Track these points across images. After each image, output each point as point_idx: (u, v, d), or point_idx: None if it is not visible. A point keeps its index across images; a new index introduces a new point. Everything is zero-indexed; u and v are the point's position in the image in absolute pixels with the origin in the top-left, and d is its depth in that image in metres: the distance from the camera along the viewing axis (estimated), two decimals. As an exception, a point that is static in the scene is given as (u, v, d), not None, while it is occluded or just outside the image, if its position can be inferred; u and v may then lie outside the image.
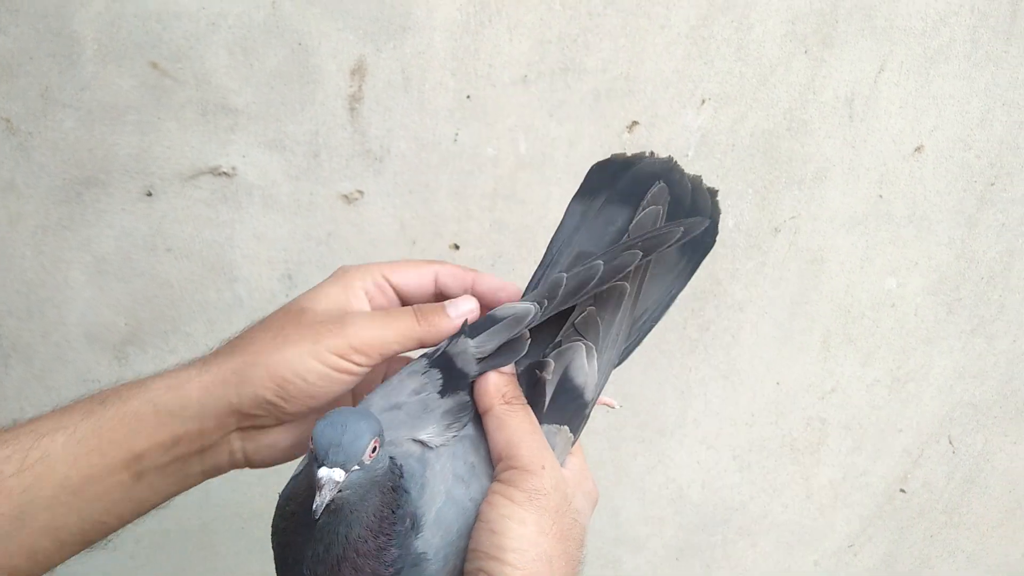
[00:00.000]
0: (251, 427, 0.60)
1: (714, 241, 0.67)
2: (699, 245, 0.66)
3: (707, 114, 1.06)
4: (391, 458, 0.55)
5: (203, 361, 0.60)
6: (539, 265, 0.66)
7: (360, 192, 1.06)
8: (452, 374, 0.60)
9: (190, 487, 0.62)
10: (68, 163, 1.00)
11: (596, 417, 1.23)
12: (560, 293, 0.60)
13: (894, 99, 1.07)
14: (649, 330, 0.66)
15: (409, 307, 0.63)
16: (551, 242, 0.67)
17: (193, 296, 1.09)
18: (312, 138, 1.02)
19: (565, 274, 0.62)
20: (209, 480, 1.24)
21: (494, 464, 0.58)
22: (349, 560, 0.53)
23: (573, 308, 0.62)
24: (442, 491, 0.56)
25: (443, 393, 0.60)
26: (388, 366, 0.67)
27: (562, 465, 0.60)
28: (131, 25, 0.95)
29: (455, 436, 0.59)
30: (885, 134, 1.09)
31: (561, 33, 1.00)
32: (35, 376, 1.11)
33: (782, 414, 1.27)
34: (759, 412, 1.26)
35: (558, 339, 0.62)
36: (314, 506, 0.48)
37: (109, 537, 0.60)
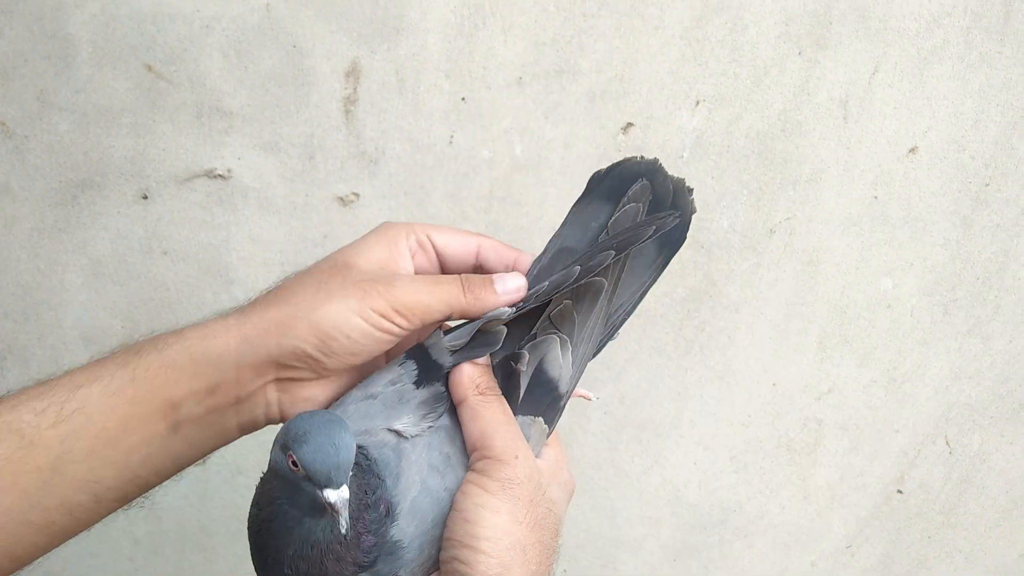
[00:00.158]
0: (288, 379, 0.60)
1: (685, 237, 0.67)
2: (671, 241, 0.67)
3: (702, 115, 1.06)
4: (359, 446, 0.56)
5: (241, 311, 0.60)
6: (548, 244, 0.67)
7: (356, 194, 1.06)
8: (427, 365, 0.61)
9: (226, 443, 0.62)
10: (63, 166, 1.00)
11: (592, 418, 1.24)
12: (534, 295, 0.61)
13: (888, 100, 1.08)
14: (623, 323, 0.66)
15: (457, 276, 0.63)
16: (549, 242, 0.67)
17: (189, 298, 1.09)
18: (307, 140, 1.02)
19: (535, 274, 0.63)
20: (207, 482, 1.25)
21: (469, 454, 0.59)
22: (332, 552, 0.53)
23: (549, 301, 0.63)
24: (417, 481, 0.57)
25: (418, 384, 0.61)
26: (421, 333, 0.67)
27: (537, 456, 0.61)
28: (126, 28, 0.95)
29: (430, 427, 0.60)
30: (879, 135, 1.09)
31: (555, 35, 1.00)
32: (31, 379, 1.10)
33: (778, 415, 1.27)
34: (755, 413, 1.26)
35: (533, 332, 0.63)
36: (343, 530, 0.50)
37: (146, 495, 0.60)
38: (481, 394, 0.59)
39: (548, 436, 0.63)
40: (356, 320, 0.58)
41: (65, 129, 0.99)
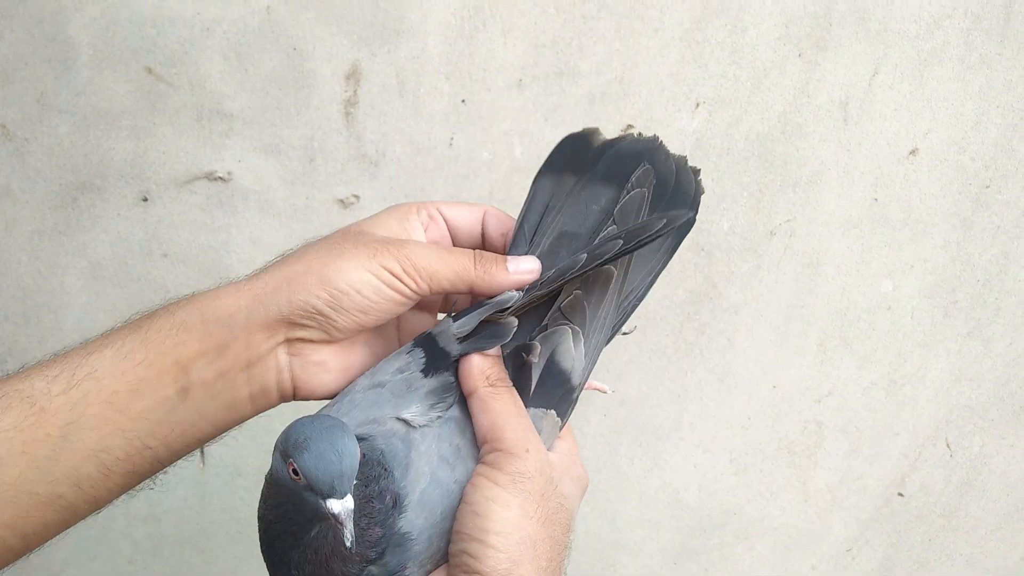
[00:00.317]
0: (299, 340, 0.59)
1: (694, 221, 0.66)
2: (681, 225, 0.66)
3: (701, 117, 1.06)
4: (361, 436, 0.55)
5: (253, 274, 0.60)
6: (512, 243, 0.65)
7: (356, 196, 1.06)
8: (435, 353, 0.60)
9: (238, 418, 0.60)
10: (64, 168, 1.00)
11: (592, 421, 1.23)
12: (540, 281, 0.60)
13: (888, 102, 1.08)
14: (633, 310, 0.65)
15: (471, 250, 0.63)
16: (523, 217, 0.66)
17: (189, 301, 1.09)
18: (307, 143, 1.02)
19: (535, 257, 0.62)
20: (207, 484, 1.25)
21: (479, 447, 0.58)
22: (338, 553, 0.53)
23: (559, 292, 0.62)
24: (427, 472, 0.56)
25: (426, 372, 0.60)
26: (428, 322, 0.68)
27: (549, 449, 0.60)
28: (126, 30, 0.95)
29: (440, 417, 0.59)
30: (880, 137, 1.09)
31: (555, 37, 1.00)
32: (31, 381, 1.11)
33: (778, 417, 1.27)
34: (755, 415, 1.26)
35: (544, 323, 0.62)
36: (347, 543, 0.49)
37: (154, 477, 0.59)
38: (491, 385, 0.58)
39: (561, 429, 0.62)
40: (366, 275, 0.57)
41: (65, 132, 0.99)
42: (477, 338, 0.60)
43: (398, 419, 0.58)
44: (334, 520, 0.49)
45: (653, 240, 0.61)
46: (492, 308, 0.60)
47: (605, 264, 0.60)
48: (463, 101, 1.02)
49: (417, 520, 0.55)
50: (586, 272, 0.60)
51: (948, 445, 1.32)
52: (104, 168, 1.01)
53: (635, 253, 0.64)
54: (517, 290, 0.61)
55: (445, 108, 1.02)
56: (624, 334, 0.68)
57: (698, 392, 1.24)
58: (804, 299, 1.19)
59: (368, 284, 0.58)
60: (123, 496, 0.59)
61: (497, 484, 0.54)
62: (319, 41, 0.98)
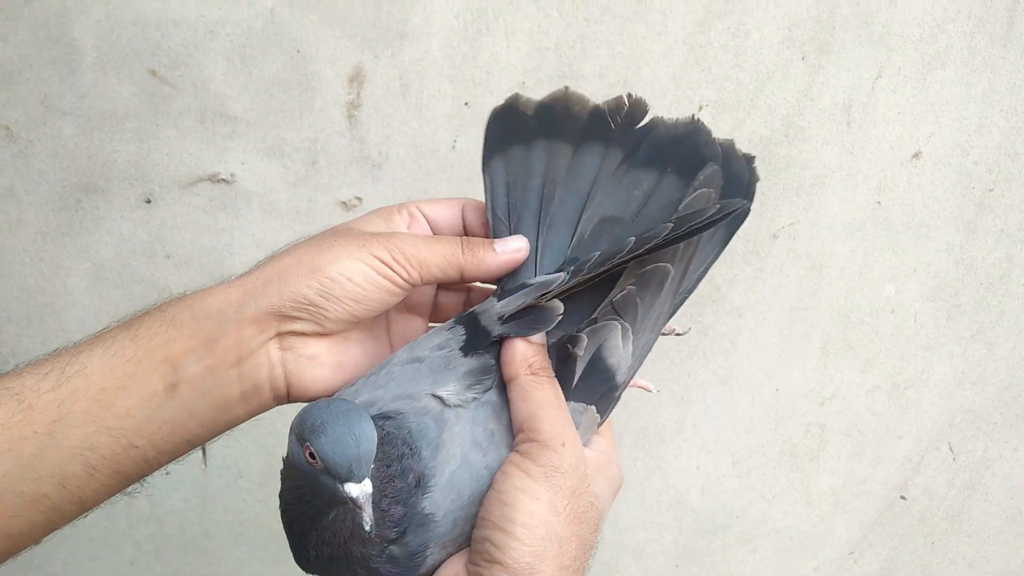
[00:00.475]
0: (291, 334, 0.59)
1: (749, 210, 0.65)
2: (735, 216, 0.64)
3: (705, 120, 1.06)
4: (385, 415, 0.55)
5: (244, 273, 0.60)
6: (493, 232, 0.64)
7: (359, 199, 1.06)
8: (476, 332, 0.60)
9: (229, 418, 0.60)
10: (67, 170, 1.01)
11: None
12: (586, 265, 0.58)
13: (892, 105, 1.08)
14: (682, 303, 0.64)
15: (457, 237, 0.63)
16: (492, 205, 0.64)
17: (192, 302, 1.09)
18: (310, 145, 1.02)
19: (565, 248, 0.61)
20: (209, 485, 1.25)
21: (515, 434, 0.57)
22: (357, 536, 0.52)
23: (612, 284, 0.61)
24: (458, 454, 0.55)
25: (465, 350, 0.59)
26: (419, 312, 0.67)
27: (586, 445, 0.59)
28: (130, 33, 0.95)
29: (475, 399, 0.58)
30: (883, 140, 1.09)
31: (559, 40, 1.00)
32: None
33: (781, 420, 1.27)
34: (758, 418, 1.26)
35: (594, 316, 0.60)
36: (367, 528, 0.48)
37: (142, 481, 0.58)
38: (533, 374, 0.57)
39: (599, 426, 0.60)
40: (357, 264, 0.57)
41: (69, 134, 0.99)
42: (520, 321, 0.59)
43: (433, 396, 0.57)
44: (352, 504, 0.48)
45: (705, 228, 0.58)
46: (537, 290, 0.59)
47: (654, 250, 0.57)
48: (466, 104, 1.02)
49: (443, 502, 0.54)
50: (634, 257, 0.58)
51: (951, 449, 1.32)
52: (108, 170, 1.01)
53: (696, 251, 0.63)
54: (564, 274, 0.59)
55: (448, 111, 1.02)
56: (677, 335, 0.68)
57: (701, 394, 1.24)
58: (807, 302, 1.18)
59: (359, 272, 0.57)
60: (123, 498, 0.59)
61: (529, 475, 0.53)
62: (322, 43, 0.98)
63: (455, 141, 1.04)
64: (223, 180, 1.03)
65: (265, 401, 0.60)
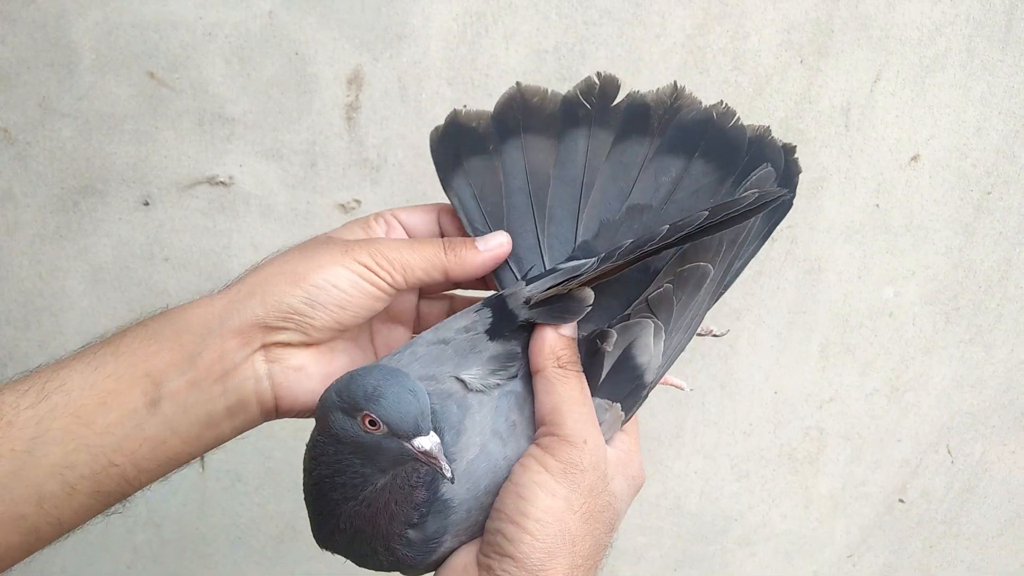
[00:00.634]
0: (276, 345, 0.58)
1: (792, 202, 0.64)
2: (776, 208, 0.63)
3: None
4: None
5: (227, 284, 0.59)
6: (472, 232, 0.63)
7: (357, 201, 1.06)
8: (502, 315, 0.59)
9: (214, 436, 0.58)
10: (65, 172, 1.00)
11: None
12: (619, 251, 0.56)
13: (890, 108, 1.08)
14: (717, 300, 0.63)
15: (439, 238, 0.62)
16: (467, 220, 0.64)
17: (190, 305, 1.09)
18: (309, 147, 1.02)
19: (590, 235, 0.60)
20: (206, 489, 1.25)
21: (536, 427, 0.56)
22: (388, 510, 0.52)
23: (650, 283, 0.60)
24: (477, 443, 0.55)
25: (491, 333, 0.58)
26: (418, 325, 0.67)
27: (609, 442, 0.58)
28: (128, 35, 0.95)
29: (499, 385, 0.57)
30: (881, 143, 1.09)
31: (557, 43, 1.00)
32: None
33: (780, 423, 1.27)
34: (757, 421, 1.26)
35: (627, 313, 0.59)
36: (448, 475, 0.48)
37: (123, 502, 0.57)
38: (561, 367, 0.56)
39: (623, 424, 0.60)
40: (341, 270, 0.57)
41: (67, 136, 0.99)
42: (549, 308, 0.58)
43: (456, 379, 0.57)
44: (426, 458, 0.48)
45: (743, 218, 0.55)
46: (564, 274, 0.58)
47: (687, 238, 0.55)
48: (465, 106, 1.02)
49: (460, 490, 0.53)
50: (667, 246, 0.55)
51: (949, 451, 1.32)
52: (106, 172, 1.01)
53: (738, 253, 0.61)
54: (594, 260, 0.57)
55: (447, 113, 1.02)
56: (715, 336, 0.67)
57: (699, 398, 1.24)
58: (806, 305, 1.18)
59: (344, 278, 0.57)
60: (103, 519, 0.57)
61: (547, 470, 0.53)
62: (321, 46, 0.98)
63: (454, 144, 1.04)
64: (221, 182, 1.03)
65: (252, 416, 0.59)
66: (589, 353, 0.58)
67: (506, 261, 0.63)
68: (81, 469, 0.53)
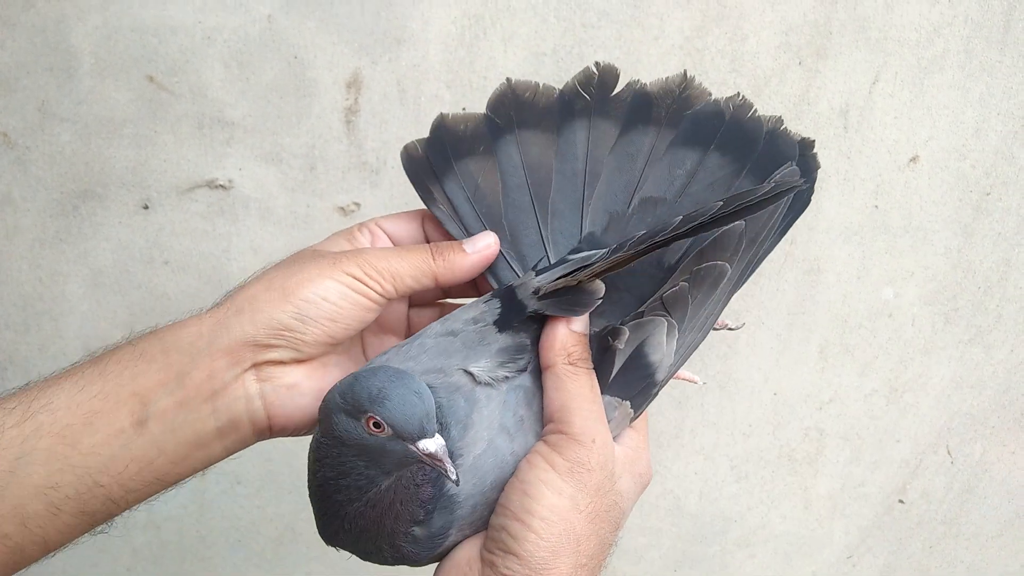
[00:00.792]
0: (267, 363, 0.56)
1: (810, 196, 0.63)
2: (794, 203, 0.62)
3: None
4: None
5: (216, 303, 0.58)
6: (467, 235, 0.63)
7: (357, 204, 1.06)
8: (511, 306, 0.58)
9: (205, 458, 0.57)
10: (65, 176, 1.00)
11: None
12: (630, 242, 0.55)
13: (889, 110, 1.08)
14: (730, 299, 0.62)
15: (426, 244, 0.62)
16: (461, 226, 0.63)
17: (190, 309, 1.08)
18: (308, 151, 1.02)
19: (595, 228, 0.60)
20: (206, 491, 1.25)
21: (545, 423, 0.56)
22: (393, 510, 0.52)
23: (666, 280, 0.59)
24: (485, 438, 0.54)
25: (500, 325, 0.58)
26: (410, 326, 0.66)
27: (617, 438, 0.58)
28: (128, 39, 0.95)
29: (507, 378, 0.57)
30: (880, 145, 1.09)
31: (556, 45, 1.00)
32: (32, 389, 1.11)
33: (779, 424, 1.27)
34: (756, 422, 1.26)
35: (641, 310, 0.58)
36: (453, 477, 0.48)
37: (109, 522, 0.56)
38: (571, 364, 0.56)
39: (632, 421, 0.59)
40: (330, 283, 0.56)
41: (67, 140, 0.99)
42: (558, 300, 0.57)
43: (464, 371, 0.56)
44: (431, 460, 0.48)
45: (758, 207, 0.54)
46: (574, 264, 0.57)
47: (701, 229, 0.53)
48: (464, 109, 1.02)
49: (466, 485, 0.53)
50: (679, 236, 0.53)
51: (949, 452, 1.32)
52: (105, 176, 1.01)
53: (757, 252, 0.61)
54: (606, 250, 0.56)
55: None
56: (730, 329, 0.66)
57: (699, 399, 1.24)
58: (805, 306, 1.19)
59: (334, 290, 0.56)
60: (90, 538, 0.57)
61: (554, 468, 0.52)
62: (320, 49, 0.98)
63: (453, 146, 1.04)
64: (221, 186, 1.03)
65: (244, 436, 0.58)
66: (600, 350, 0.58)
67: (506, 260, 0.63)
68: (66, 489, 0.52)
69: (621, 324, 0.58)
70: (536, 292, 0.57)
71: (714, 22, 1.01)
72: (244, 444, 0.59)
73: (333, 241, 0.62)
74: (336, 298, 0.56)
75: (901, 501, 1.35)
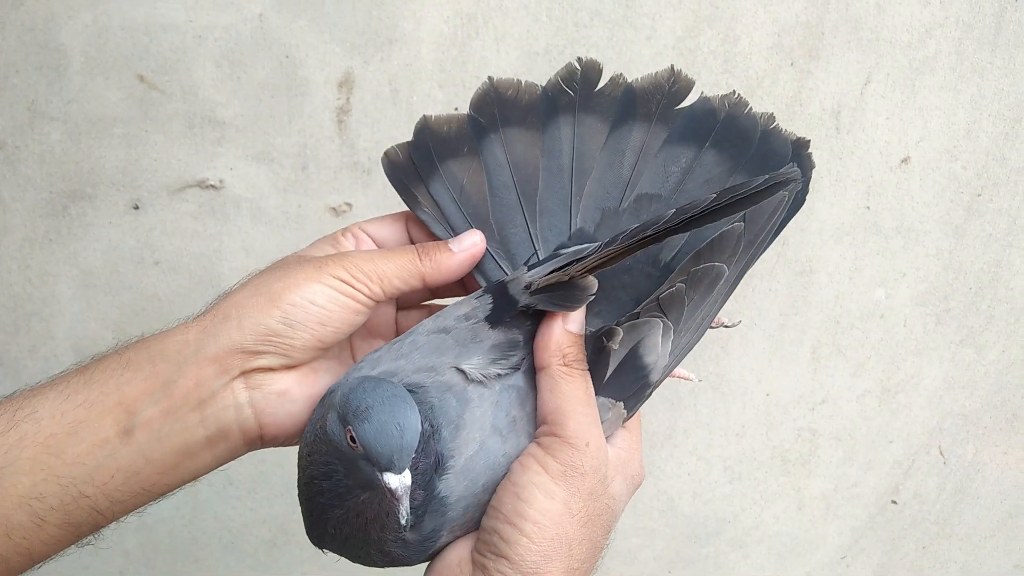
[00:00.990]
0: (256, 370, 0.56)
1: (806, 193, 0.63)
2: (791, 198, 0.62)
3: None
4: (413, 388, 0.54)
5: (203, 311, 0.57)
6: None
7: (348, 204, 1.06)
8: (503, 301, 0.57)
9: (194, 468, 0.56)
10: (55, 176, 1.00)
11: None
12: (622, 235, 0.53)
13: (880, 111, 1.08)
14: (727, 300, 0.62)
15: (412, 245, 0.61)
16: (448, 226, 0.63)
17: (181, 309, 1.08)
18: (300, 151, 1.02)
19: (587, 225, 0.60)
20: (198, 493, 1.24)
21: (538, 424, 0.55)
22: (378, 521, 0.51)
23: (664, 280, 0.59)
24: (477, 439, 0.54)
25: (492, 321, 0.57)
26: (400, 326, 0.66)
27: (609, 440, 0.57)
28: (118, 38, 0.95)
29: (500, 376, 0.56)
30: (872, 146, 1.10)
31: (548, 45, 1.00)
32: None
33: (772, 425, 1.27)
34: (749, 423, 1.26)
35: (637, 311, 0.58)
36: (403, 521, 0.47)
37: (97, 535, 0.56)
38: (566, 365, 0.55)
39: (625, 421, 0.59)
40: (317, 286, 0.55)
41: (56, 139, 0.98)
42: (551, 295, 0.56)
43: (456, 369, 0.56)
44: (390, 495, 0.47)
45: (751, 201, 0.52)
46: (567, 258, 0.56)
47: (693, 223, 0.52)
48: (456, 109, 1.02)
49: (457, 487, 0.53)
50: (671, 230, 0.52)
51: (941, 452, 1.32)
52: (95, 176, 1.01)
53: (754, 255, 0.61)
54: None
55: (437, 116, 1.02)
56: (726, 327, 0.65)
57: (692, 400, 1.24)
58: (797, 307, 1.19)
59: (321, 294, 0.55)
60: (76, 550, 0.56)
61: (546, 471, 0.52)
62: (312, 49, 0.97)
63: (445, 146, 1.04)
64: (212, 186, 1.03)
65: (234, 446, 0.57)
66: (595, 351, 0.57)
67: (495, 259, 0.63)
68: (50, 500, 0.52)
69: (616, 325, 0.57)
70: (528, 287, 0.57)
71: (706, 23, 1.01)
72: (234, 454, 0.58)
73: (318, 246, 0.62)
74: (324, 301, 0.56)
75: (894, 502, 1.35)
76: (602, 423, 0.56)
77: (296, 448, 0.58)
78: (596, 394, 0.56)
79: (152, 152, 1.00)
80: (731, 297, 1.16)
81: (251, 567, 1.27)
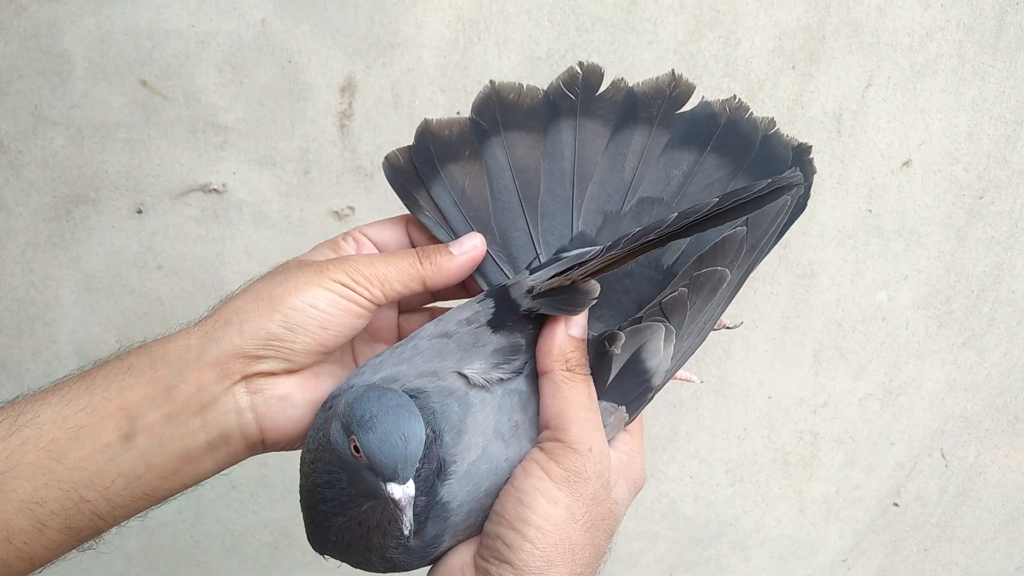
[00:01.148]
0: (257, 375, 0.56)
1: (807, 196, 0.63)
2: (791, 209, 0.62)
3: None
4: (414, 393, 0.53)
5: (204, 316, 0.57)
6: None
7: (351, 208, 1.06)
8: (505, 306, 0.57)
9: (195, 473, 0.56)
10: (58, 181, 1.00)
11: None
12: (624, 239, 0.53)
13: (882, 114, 1.08)
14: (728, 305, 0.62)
15: (412, 248, 0.62)
16: (448, 228, 0.63)
17: (184, 313, 1.09)
18: (302, 155, 1.02)
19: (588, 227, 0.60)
20: (201, 497, 1.24)
21: (540, 429, 0.55)
22: (381, 528, 0.51)
23: (666, 285, 0.59)
24: (479, 444, 0.54)
25: (494, 325, 0.57)
26: (402, 330, 0.66)
27: (611, 442, 0.57)
28: (121, 43, 0.95)
29: (502, 380, 0.56)
30: (873, 148, 1.10)
31: (550, 49, 1.00)
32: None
33: (774, 428, 1.27)
34: (751, 426, 1.26)
35: (639, 315, 0.58)
36: (406, 531, 0.47)
37: (98, 539, 0.56)
38: (569, 370, 0.55)
39: (627, 425, 0.59)
40: (318, 290, 0.56)
41: (60, 144, 0.99)
42: (552, 299, 0.56)
43: (459, 374, 0.56)
44: (394, 505, 0.47)
45: (753, 205, 0.52)
46: (569, 262, 0.56)
47: (696, 227, 0.52)
48: (458, 113, 1.02)
49: (460, 492, 0.53)
50: (672, 236, 0.52)
51: (943, 455, 1.32)
52: (98, 180, 1.01)
53: (756, 259, 0.61)
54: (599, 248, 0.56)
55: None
56: (728, 328, 0.65)
57: (694, 403, 1.24)
58: (799, 310, 1.19)
59: (322, 298, 0.56)
60: (77, 555, 0.56)
61: (549, 476, 0.52)
62: (314, 54, 0.98)
63: (447, 150, 1.04)
64: (215, 190, 1.03)
65: (236, 451, 0.57)
66: (597, 355, 0.57)
67: (496, 262, 0.63)
68: (51, 504, 0.52)
69: (619, 329, 0.57)
70: (530, 291, 0.57)
71: (708, 27, 1.01)
72: (236, 459, 0.58)
73: (318, 251, 0.62)
74: (325, 305, 0.56)
75: (896, 504, 1.35)
76: (604, 427, 0.56)
77: (298, 452, 0.58)
78: (599, 398, 0.56)
79: (155, 157, 1.00)
80: (734, 300, 1.16)
81: (253, 570, 1.27)
